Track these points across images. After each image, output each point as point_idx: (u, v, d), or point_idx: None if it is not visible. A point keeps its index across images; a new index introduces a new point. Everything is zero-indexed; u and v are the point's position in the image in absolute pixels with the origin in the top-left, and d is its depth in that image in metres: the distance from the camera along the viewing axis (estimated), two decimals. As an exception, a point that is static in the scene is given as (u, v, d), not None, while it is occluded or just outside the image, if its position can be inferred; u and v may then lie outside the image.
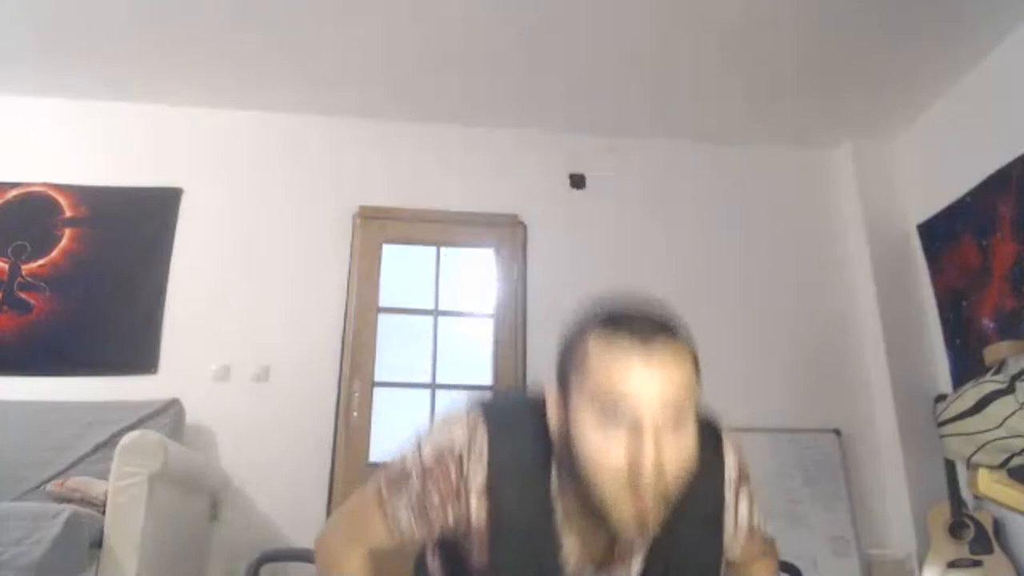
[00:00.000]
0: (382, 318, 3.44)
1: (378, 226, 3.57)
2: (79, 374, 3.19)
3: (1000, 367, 2.73)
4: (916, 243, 3.62)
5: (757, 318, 3.62)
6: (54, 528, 2.07)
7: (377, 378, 3.34)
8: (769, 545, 1.23)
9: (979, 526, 2.96)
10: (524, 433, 1.02)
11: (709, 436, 1.05)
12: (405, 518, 1.05)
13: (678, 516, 0.95)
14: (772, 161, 3.95)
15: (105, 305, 3.32)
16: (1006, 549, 2.89)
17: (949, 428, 2.88)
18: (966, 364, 3.20)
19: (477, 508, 1.01)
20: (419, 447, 1.06)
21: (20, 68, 3.41)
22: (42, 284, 3.33)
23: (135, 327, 3.31)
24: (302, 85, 3.54)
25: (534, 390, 1.07)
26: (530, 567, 1.01)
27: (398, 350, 3.44)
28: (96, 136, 3.60)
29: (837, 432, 3.48)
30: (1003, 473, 2.73)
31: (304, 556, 2.75)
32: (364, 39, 3.20)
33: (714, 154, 3.91)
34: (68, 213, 3.46)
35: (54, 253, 3.39)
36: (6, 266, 3.34)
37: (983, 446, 2.70)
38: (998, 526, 2.95)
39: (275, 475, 3.13)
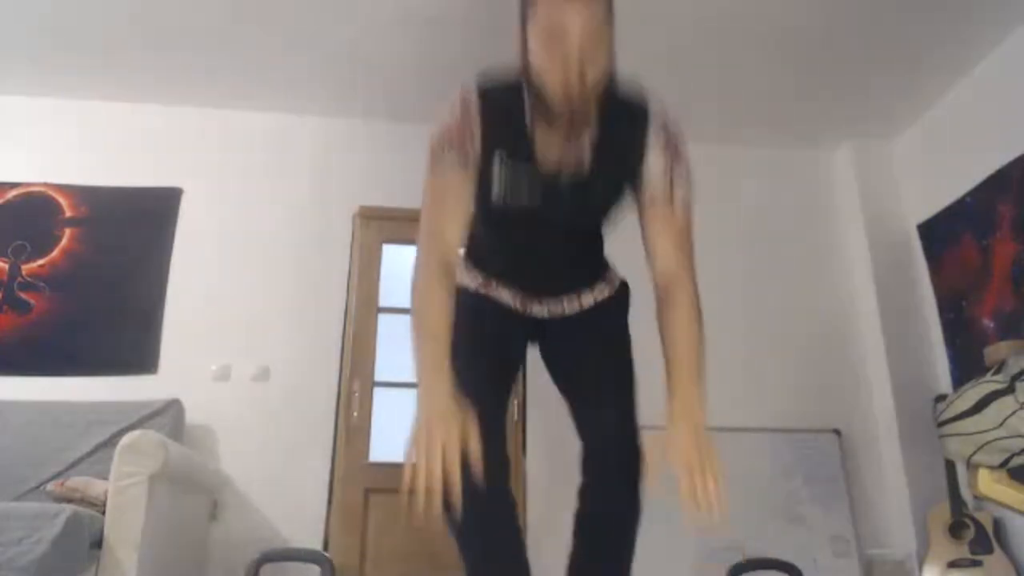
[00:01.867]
0: (382, 318, 3.44)
1: (378, 226, 3.57)
2: (79, 374, 3.19)
3: (1000, 367, 2.73)
4: (916, 243, 3.62)
5: (757, 318, 3.62)
6: (54, 528, 2.07)
7: (377, 378, 3.34)
8: (689, 264, 1.50)
9: (979, 526, 2.96)
10: (502, 77, 1.46)
11: (635, 88, 1.51)
12: (453, 159, 1.43)
13: (610, 128, 1.42)
14: (772, 161, 3.95)
15: (105, 305, 3.32)
16: (1006, 549, 2.89)
17: (949, 428, 2.89)
18: (966, 364, 3.20)
19: (478, 129, 1.43)
20: (434, 127, 1.48)
21: (20, 68, 3.41)
22: (42, 284, 3.33)
23: (135, 327, 3.31)
24: (302, 85, 3.54)
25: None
26: (510, 137, 1.42)
27: (398, 350, 3.44)
28: (96, 136, 3.60)
29: (837, 432, 3.48)
30: (1003, 473, 2.74)
31: (304, 556, 2.75)
32: (364, 40, 3.21)
33: (714, 154, 3.90)
34: (68, 213, 3.46)
35: (54, 253, 3.39)
36: (6, 266, 3.34)
37: (983, 446, 2.71)
38: (998, 526, 2.95)
39: (275, 475, 3.13)
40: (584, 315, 1.65)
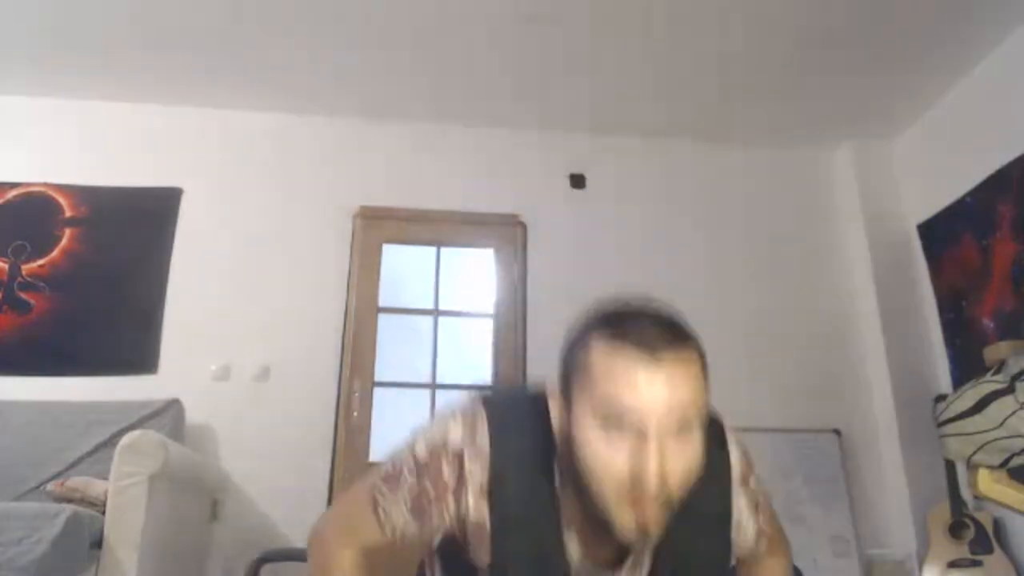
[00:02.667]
0: (382, 318, 3.44)
1: (378, 226, 3.57)
2: (79, 374, 3.19)
3: (1000, 367, 2.73)
4: (916, 243, 3.62)
5: (757, 318, 3.62)
6: (54, 528, 2.07)
7: (377, 378, 3.34)
8: (780, 543, 1.22)
9: (979, 526, 2.96)
10: (526, 430, 1.00)
11: (714, 436, 1.03)
12: (399, 515, 1.04)
13: (685, 516, 0.93)
14: (772, 161, 3.95)
15: (105, 305, 3.32)
16: (1006, 549, 2.89)
17: (949, 428, 2.89)
18: (966, 364, 3.20)
19: (476, 506, 0.99)
20: (415, 444, 1.05)
21: (20, 68, 3.41)
22: (42, 284, 3.33)
23: (135, 327, 3.31)
24: (302, 85, 3.53)
25: (535, 385, 1.06)
26: (534, 566, 0.99)
27: (398, 350, 3.44)
28: (96, 136, 3.60)
29: (837, 432, 3.48)
30: (1003, 473, 2.74)
31: (304, 556, 2.75)
32: (364, 39, 3.20)
33: (714, 154, 3.91)
34: (68, 213, 3.46)
35: (54, 253, 3.39)
36: (6, 266, 3.34)
37: (983, 446, 2.71)
38: (998, 526, 2.95)
39: (275, 475, 3.13)
40: None
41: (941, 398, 3.09)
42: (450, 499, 1.00)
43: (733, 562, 1.14)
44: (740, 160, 3.91)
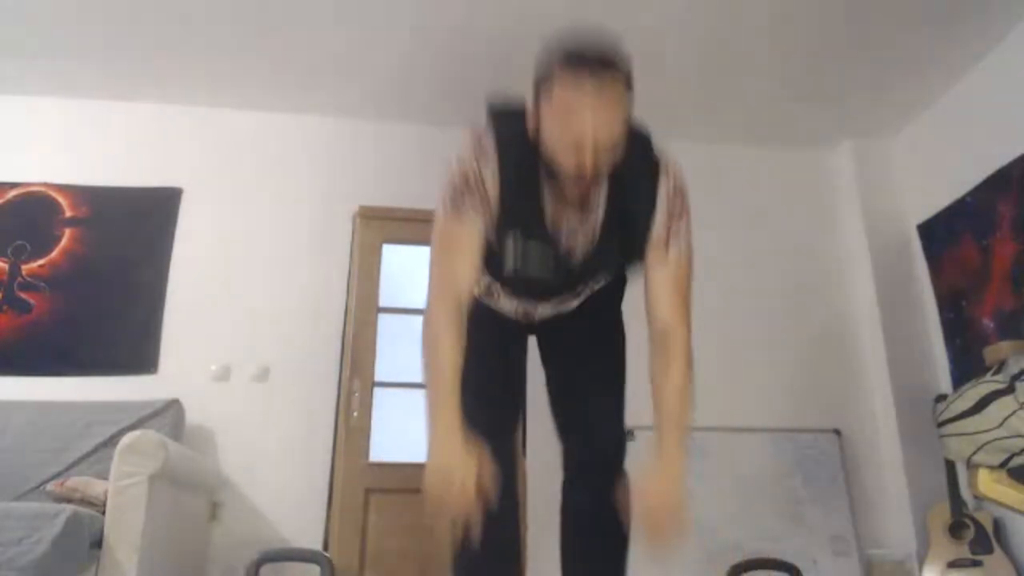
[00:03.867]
0: (382, 318, 3.44)
1: (378, 226, 3.57)
2: (79, 374, 3.19)
3: (1000, 367, 2.73)
4: (916, 243, 3.62)
5: (757, 318, 3.62)
6: (54, 528, 2.07)
7: (377, 378, 3.34)
8: (685, 313, 1.49)
9: (979, 526, 2.96)
10: (514, 126, 1.43)
11: (645, 141, 1.56)
12: (468, 205, 1.44)
13: (625, 181, 1.45)
14: (772, 161, 3.95)
15: (105, 305, 3.32)
16: (1006, 549, 2.89)
17: (949, 428, 2.89)
18: (966, 364, 3.20)
19: (492, 184, 1.44)
20: (451, 166, 1.48)
21: (20, 68, 3.41)
22: (42, 284, 3.33)
23: (135, 327, 3.31)
24: (302, 85, 3.54)
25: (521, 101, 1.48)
26: (524, 212, 1.45)
27: (398, 350, 3.44)
28: (96, 136, 3.60)
29: (837, 432, 3.48)
30: (1003, 473, 2.74)
31: (304, 556, 2.76)
32: (364, 39, 3.20)
33: (714, 154, 3.91)
34: (68, 213, 3.46)
35: (54, 253, 3.39)
36: (6, 266, 3.34)
37: (983, 446, 2.71)
38: (998, 526, 2.95)
39: (275, 475, 3.13)
40: (581, 305, 1.71)
41: (941, 398, 3.09)
42: (482, 185, 1.44)
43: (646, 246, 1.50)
44: (740, 160, 3.91)
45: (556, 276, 1.53)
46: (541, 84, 1.36)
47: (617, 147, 1.33)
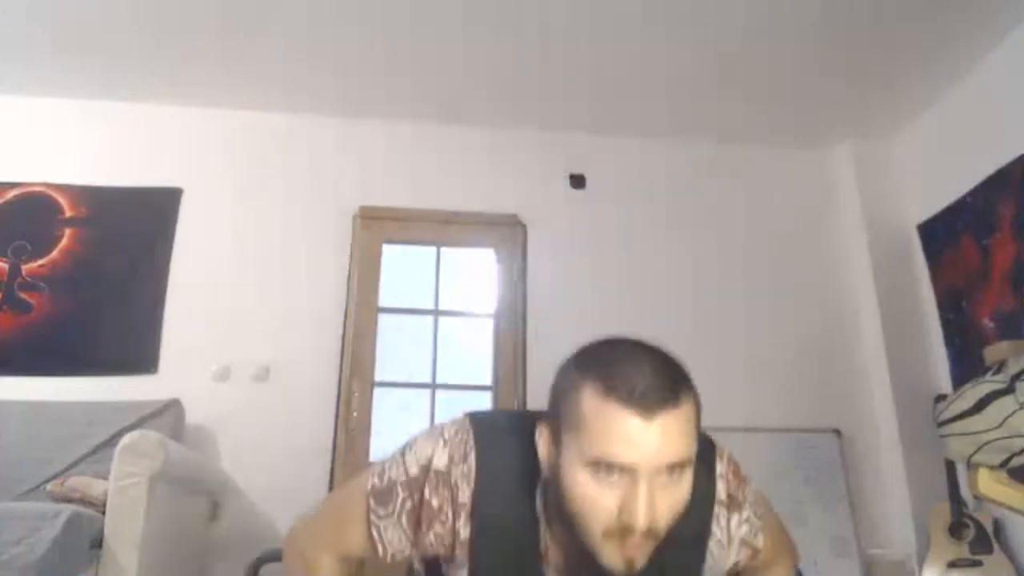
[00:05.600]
0: (382, 318, 3.44)
1: (378, 226, 3.57)
2: (79, 374, 3.19)
3: (1000, 367, 2.73)
4: (916, 243, 3.62)
5: (757, 318, 3.62)
6: (54, 528, 2.07)
7: (377, 378, 3.34)
8: (784, 549, 1.24)
9: (979, 526, 2.96)
10: (512, 453, 1.02)
11: (703, 459, 1.03)
12: (396, 536, 1.05)
13: (665, 543, 0.94)
14: (772, 161, 3.95)
15: (105, 305, 3.32)
16: (1006, 549, 2.89)
17: (949, 428, 2.88)
18: (966, 364, 3.20)
19: (464, 523, 1.01)
20: (406, 460, 1.06)
21: (20, 68, 3.41)
22: (42, 284, 3.33)
23: (135, 327, 3.31)
24: (302, 85, 3.53)
25: (526, 413, 1.10)
26: None
27: (398, 350, 3.44)
28: (96, 136, 3.60)
29: (837, 432, 3.48)
30: (1003, 473, 2.73)
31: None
32: (364, 39, 3.20)
33: (714, 154, 3.91)
34: (68, 213, 3.46)
35: (54, 253, 3.39)
36: (6, 266, 3.34)
37: (983, 446, 2.70)
38: (998, 526, 2.95)
39: (275, 475, 3.13)
40: None
41: (941, 398, 3.08)
42: (441, 517, 1.02)
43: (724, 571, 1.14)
44: (740, 160, 3.91)
45: None
46: (563, 422, 0.93)
47: (683, 507, 0.93)
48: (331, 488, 3.15)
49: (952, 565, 2.92)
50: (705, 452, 1.07)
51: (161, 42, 3.22)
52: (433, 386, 3.40)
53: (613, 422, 0.87)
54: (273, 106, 3.67)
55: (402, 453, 1.08)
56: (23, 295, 3.31)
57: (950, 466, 3.08)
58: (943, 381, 3.36)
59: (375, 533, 1.06)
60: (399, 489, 1.05)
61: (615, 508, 0.88)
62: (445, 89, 3.56)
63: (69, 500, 2.38)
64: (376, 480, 1.08)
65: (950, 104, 3.47)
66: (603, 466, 0.88)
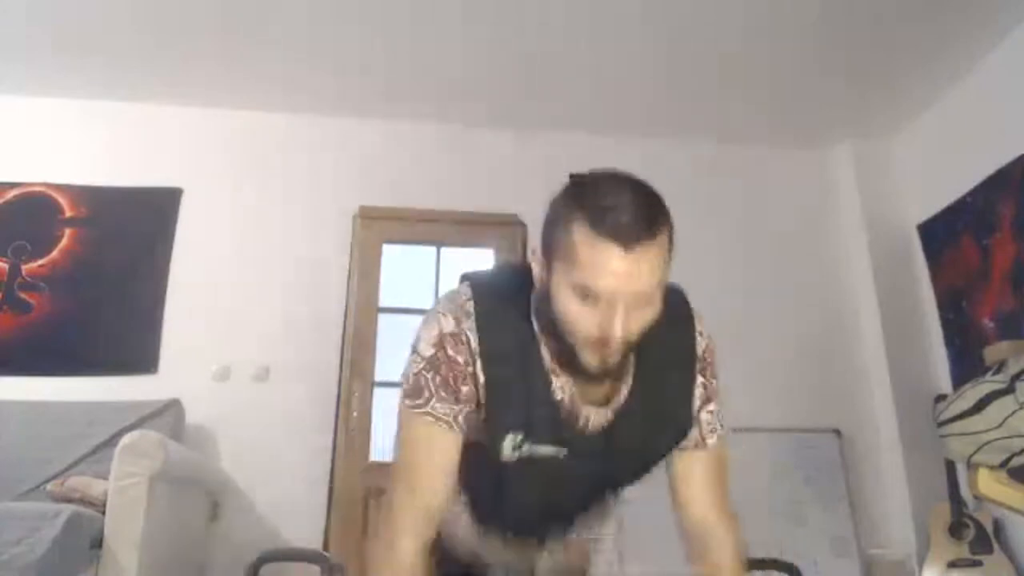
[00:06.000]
0: (382, 318, 3.44)
1: (378, 226, 3.57)
2: (79, 374, 3.19)
3: (1000, 367, 2.73)
4: (916, 243, 3.62)
5: (757, 318, 3.62)
6: (54, 528, 2.07)
7: (377, 378, 3.34)
8: (729, 511, 1.28)
9: (979, 526, 2.96)
10: (505, 291, 1.19)
11: (680, 309, 1.26)
12: (440, 406, 1.14)
13: (653, 371, 1.18)
14: (772, 161, 3.95)
15: (105, 305, 3.32)
16: (1006, 549, 2.89)
17: (949, 428, 2.88)
18: (966, 364, 3.20)
19: (480, 368, 1.14)
20: (419, 350, 1.17)
21: (20, 68, 3.41)
22: (42, 284, 3.33)
23: (135, 327, 3.31)
24: (302, 85, 3.53)
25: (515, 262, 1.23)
26: (524, 402, 1.14)
27: (398, 350, 3.44)
28: (96, 136, 3.60)
29: (837, 432, 3.48)
30: (1003, 473, 2.73)
31: (304, 556, 2.75)
32: (364, 39, 3.20)
33: (714, 154, 3.91)
34: (68, 213, 3.46)
35: (54, 253, 3.39)
36: (6, 266, 3.34)
37: (983, 446, 2.70)
38: (998, 526, 2.95)
39: (275, 475, 3.13)
40: None
41: (941, 398, 3.08)
42: (468, 367, 1.15)
43: (684, 443, 1.25)
44: (740, 160, 3.91)
45: (570, 461, 1.18)
46: (555, 248, 1.07)
47: (654, 319, 1.07)
48: (331, 488, 3.15)
49: (952, 565, 2.92)
50: (680, 301, 1.27)
51: (161, 42, 3.22)
52: (433, 386, 3.39)
53: (598, 254, 1.00)
54: (273, 106, 3.67)
55: (413, 351, 1.18)
56: (23, 295, 3.31)
57: (950, 466, 3.08)
58: (943, 381, 3.36)
59: (432, 419, 1.14)
60: (424, 375, 1.15)
61: (596, 324, 1.03)
62: (445, 89, 3.56)
63: (69, 500, 2.38)
64: (405, 387, 1.17)
65: (950, 104, 3.47)
66: (588, 292, 1.02)
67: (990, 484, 2.76)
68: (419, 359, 1.15)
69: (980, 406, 2.70)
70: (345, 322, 3.41)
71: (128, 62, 3.37)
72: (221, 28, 3.13)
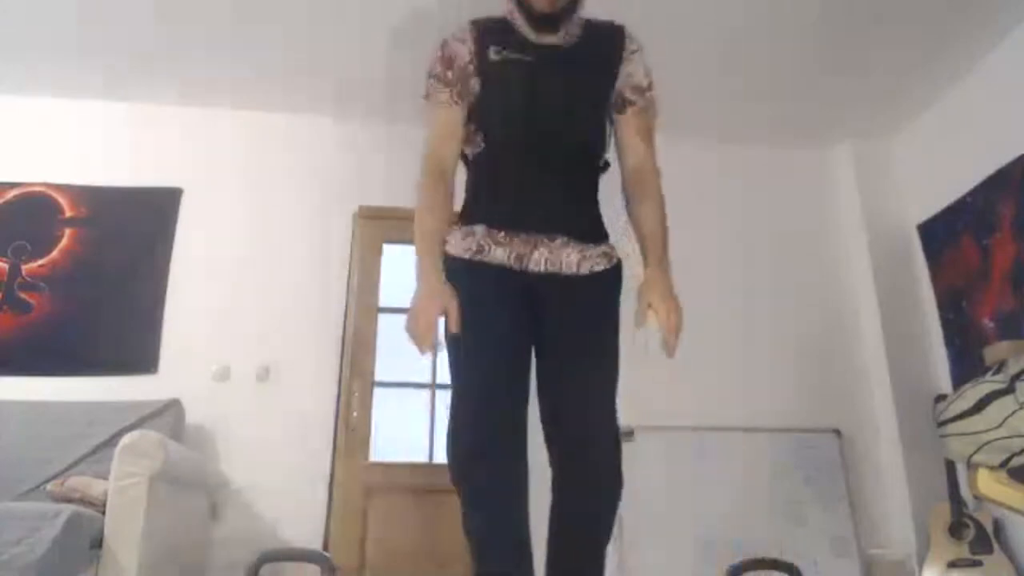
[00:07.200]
0: (382, 318, 3.44)
1: (378, 226, 3.57)
2: (79, 374, 3.19)
3: (1000, 367, 2.73)
4: (916, 243, 3.62)
5: (757, 318, 3.62)
6: (54, 528, 2.07)
7: (377, 378, 3.34)
8: (656, 167, 1.78)
9: (979, 526, 2.96)
10: (492, 18, 1.75)
11: (612, 26, 1.80)
12: (440, 94, 1.74)
13: (591, 40, 1.75)
14: (772, 161, 3.95)
15: (105, 305, 3.32)
16: (1006, 549, 2.89)
17: (949, 428, 2.88)
18: (966, 364, 3.20)
19: (475, 40, 1.73)
20: (433, 54, 1.79)
21: (20, 68, 3.41)
22: (42, 284, 3.33)
23: (135, 327, 3.31)
24: (302, 85, 3.53)
25: None
26: (503, 42, 1.71)
27: (398, 350, 3.44)
28: (96, 136, 3.60)
29: (837, 432, 3.48)
30: (1003, 473, 2.73)
31: (304, 556, 2.75)
32: (364, 39, 3.20)
33: (714, 154, 3.91)
34: (68, 213, 3.46)
35: (54, 253, 3.39)
36: (6, 266, 3.34)
37: (983, 446, 2.70)
38: (998, 526, 2.95)
39: (275, 475, 3.13)
40: (581, 287, 1.65)
41: (941, 398, 3.09)
42: (466, 44, 1.73)
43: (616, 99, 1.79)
44: (740, 160, 3.91)
45: (540, 71, 1.68)
46: None
47: None
48: (331, 488, 3.15)
49: (952, 565, 2.92)
50: (616, 26, 1.81)
51: (161, 42, 3.22)
52: (433, 386, 3.40)
53: None
54: (273, 106, 3.67)
55: (429, 76, 1.79)
56: (23, 295, 3.31)
57: (950, 466, 3.08)
58: (943, 381, 3.36)
59: (436, 102, 1.77)
60: (429, 79, 1.78)
61: None
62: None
63: (69, 500, 2.38)
64: (426, 86, 1.80)
65: (950, 104, 3.47)
66: None
67: (990, 484, 2.76)
68: (435, 64, 1.75)
69: (980, 406, 2.71)
70: (345, 322, 3.41)
71: (128, 62, 3.37)
72: (221, 28, 3.13)
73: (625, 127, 1.77)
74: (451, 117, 1.72)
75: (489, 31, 1.71)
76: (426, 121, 1.76)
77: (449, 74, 1.71)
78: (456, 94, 1.70)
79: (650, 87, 1.81)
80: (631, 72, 1.78)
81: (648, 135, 1.78)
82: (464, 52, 1.70)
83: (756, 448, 3.38)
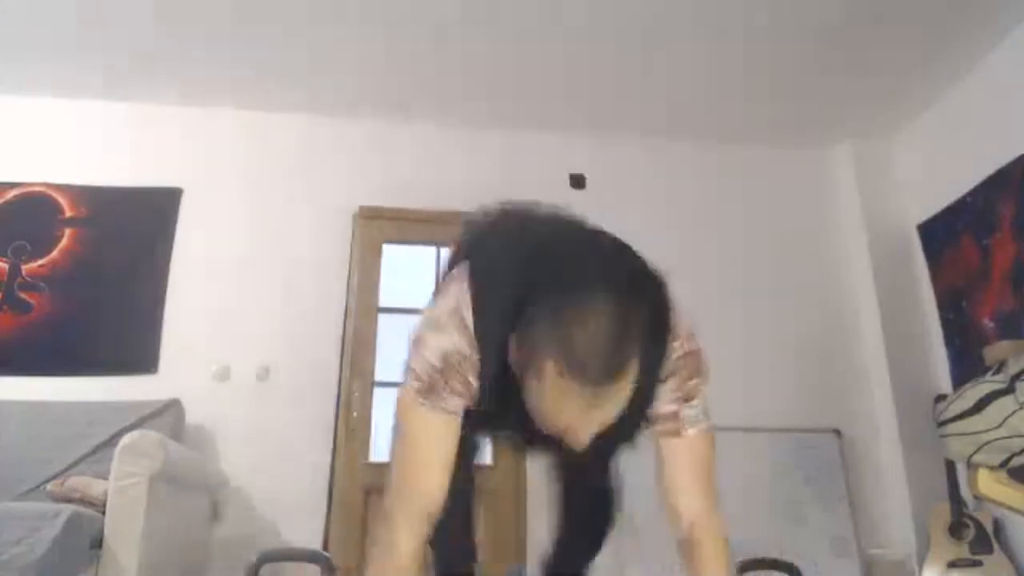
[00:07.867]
0: (382, 318, 3.44)
1: (378, 226, 3.57)
2: (79, 374, 3.19)
3: (1000, 367, 2.73)
4: (916, 243, 3.62)
5: (757, 318, 3.62)
6: (54, 528, 2.07)
7: (377, 378, 3.34)
8: (716, 506, 1.29)
9: (979, 526, 2.96)
10: (502, 303, 1.18)
11: (659, 322, 1.26)
12: (451, 400, 1.23)
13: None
14: (772, 161, 3.95)
15: (105, 305, 3.32)
16: (1006, 549, 2.89)
17: (949, 428, 2.88)
18: (966, 364, 3.20)
19: (474, 377, 1.23)
20: (426, 356, 1.24)
21: (20, 68, 3.41)
22: (42, 284, 3.33)
23: (135, 327, 3.31)
24: (302, 85, 3.54)
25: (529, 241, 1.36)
26: (507, 416, 1.25)
27: (398, 350, 3.44)
28: (96, 136, 3.60)
29: (837, 432, 3.48)
30: (1003, 473, 2.74)
31: (304, 556, 2.75)
32: (364, 39, 3.20)
33: (714, 154, 3.91)
34: (68, 213, 3.46)
35: (54, 253, 3.39)
36: (6, 266, 3.34)
37: (983, 446, 2.71)
38: (998, 526, 2.95)
39: (275, 475, 3.13)
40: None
41: (941, 398, 3.09)
42: (470, 373, 1.23)
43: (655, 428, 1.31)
44: (740, 160, 3.91)
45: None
46: (527, 359, 1.10)
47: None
48: (331, 488, 3.15)
49: (952, 565, 2.92)
50: (661, 320, 1.28)
51: (161, 42, 3.22)
52: (433, 386, 3.39)
53: (563, 397, 1.05)
54: (272, 106, 3.67)
55: (417, 349, 1.27)
56: (23, 295, 3.31)
57: (950, 466, 3.08)
58: (943, 381, 3.36)
59: (449, 408, 1.23)
60: (436, 378, 1.22)
61: (562, 426, 1.09)
62: (445, 89, 3.56)
63: (69, 500, 2.38)
64: (414, 383, 1.24)
65: (950, 104, 3.47)
66: (553, 412, 1.08)
67: (990, 484, 2.76)
68: (428, 366, 1.23)
69: (980, 406, 2.71)
70: (345, 322, 3.41)
71: (128, 62, 3.37)
72: (221, 28, 3.13)
73: (664, 455, 1.34)
74: (449, 428, 1.27)
75: (493, 366, 1.25)
76: (410, 432, 1.30)
77: (452, 391, 1.27)
78: (462, 389, 1.27)
79: (689, 413, 1.33)
80: (664, 400, 1.30)
81: (696, 470, 1.32)
82: (464, 379, 1.26)
83: (756, 448, 3.38)
